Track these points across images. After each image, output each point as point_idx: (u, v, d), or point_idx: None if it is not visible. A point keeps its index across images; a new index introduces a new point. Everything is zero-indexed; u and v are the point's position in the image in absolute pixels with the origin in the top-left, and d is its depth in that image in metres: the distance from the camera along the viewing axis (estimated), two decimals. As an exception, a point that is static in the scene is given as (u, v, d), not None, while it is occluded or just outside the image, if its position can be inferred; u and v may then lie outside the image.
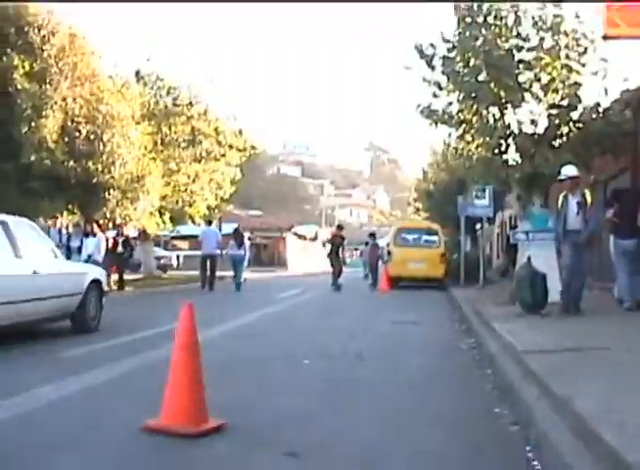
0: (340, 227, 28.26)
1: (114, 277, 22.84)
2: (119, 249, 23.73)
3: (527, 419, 5.44)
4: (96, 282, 12.41)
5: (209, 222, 27.66)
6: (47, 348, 10.08)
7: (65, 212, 23.00)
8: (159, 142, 27.26)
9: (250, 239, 56.50)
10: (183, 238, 48.94)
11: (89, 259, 20.24)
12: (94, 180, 20.81)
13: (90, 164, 20.57)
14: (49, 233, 21.19)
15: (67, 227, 23.50)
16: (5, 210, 20.84)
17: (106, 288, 13.41)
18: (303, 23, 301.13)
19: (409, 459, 4.83)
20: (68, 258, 22.00)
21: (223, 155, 30.88)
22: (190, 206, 29.95)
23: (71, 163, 20.14)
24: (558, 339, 8.98)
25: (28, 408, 6.08)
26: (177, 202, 29.29)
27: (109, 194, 21.48)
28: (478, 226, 32.27)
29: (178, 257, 48.58)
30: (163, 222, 27.74)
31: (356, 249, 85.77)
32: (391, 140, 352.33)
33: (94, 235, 20.76)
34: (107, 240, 22.31)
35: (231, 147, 31.19)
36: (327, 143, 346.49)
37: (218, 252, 25.48)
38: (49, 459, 4.73)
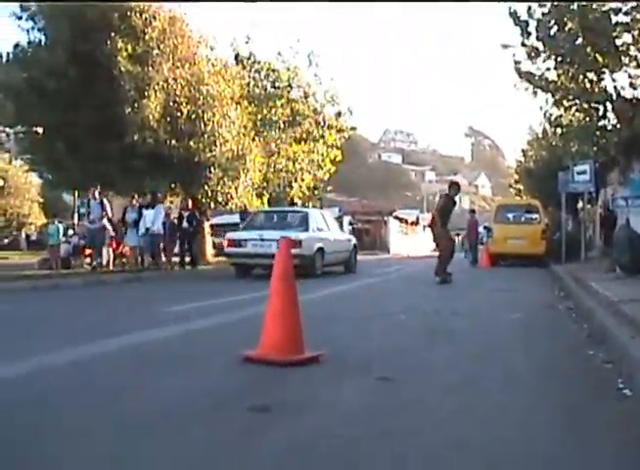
0: (454, 185, 17.02)
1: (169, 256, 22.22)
2: (184, 224, 21.62)
3: (621, 356, 5.30)
4: (355, 245, 21.79)
5: (293, 204, 28.52)
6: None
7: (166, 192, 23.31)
8: (258, 123, 27.44)
9: (351, 224, 56.86)
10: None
11: (146, 233, 19.80)
12: (195, 159, 21.09)
13: (192, 143, 20.85)
14: (89, 205, 20.17)
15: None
16: (108, 187, 21.58)
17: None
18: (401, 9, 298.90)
19: (503, 388, 4.75)
20: (125, 232, 21.24)
21: (322, 136, 30.92)
22: (289, 186, 30.02)
23: (174, 142, 20.43)
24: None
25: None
26: (278, 184, 29.41)
27: (210, 172, 21.74)
28: (580, 205, 31.54)
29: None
30: (262, 203, 27.67)
31: (458, 234, 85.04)
32: (492, 124, 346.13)
33: (153, 206, 20.50)
34: (169, 214, 22.10)
35: (330, 127, 31.18)
36: (428, 130, 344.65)
37: None
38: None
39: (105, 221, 19.46)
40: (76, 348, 6.21)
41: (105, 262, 19.86)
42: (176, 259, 21.85)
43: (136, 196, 21.45)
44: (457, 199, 17.04)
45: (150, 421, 3.80)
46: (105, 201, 19.83)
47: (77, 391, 4.56)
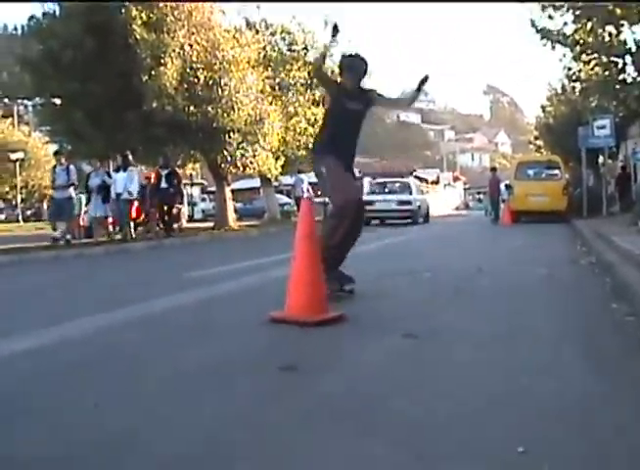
0: (349, 59, 7.40)
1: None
2: (163, 184, 20.06)
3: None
4: (427, 205, 32.56)
5: (299, 171, 30.50)
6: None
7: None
8: (276, 87, 27.32)
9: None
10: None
11: (118, 198, 18.48)
12: (214, 124, 21.06)
13: (210, 108, 20.82)
14: (54, 171, 17.88)
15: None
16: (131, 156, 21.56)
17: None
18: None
19: (529, 343, 4.78)
20: (88, 199, 19.70)
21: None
22: (306, 149, 29.83)
23: (192, 108, 20.41)
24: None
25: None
26: (298, 147, 29.26)
27: (229, 137, 21.72)
28: (600, 160, 31.40)
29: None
30: (276, 168, 27.30)
31: (479, 192, 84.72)
32: (510, 81, 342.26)
33: (124, 169, 18.84)
34: (149, 177, 21.07)
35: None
36: (446, 89, 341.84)
37: (305, 195, 27.09)
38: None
39: (71, 190, 17.84)
40: (100, 316, 6.28)
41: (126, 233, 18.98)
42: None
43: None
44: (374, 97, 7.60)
45: (182, 383, 3.87)
46: (72, 167, 17.97)
47: (104, 359, 4.60)
